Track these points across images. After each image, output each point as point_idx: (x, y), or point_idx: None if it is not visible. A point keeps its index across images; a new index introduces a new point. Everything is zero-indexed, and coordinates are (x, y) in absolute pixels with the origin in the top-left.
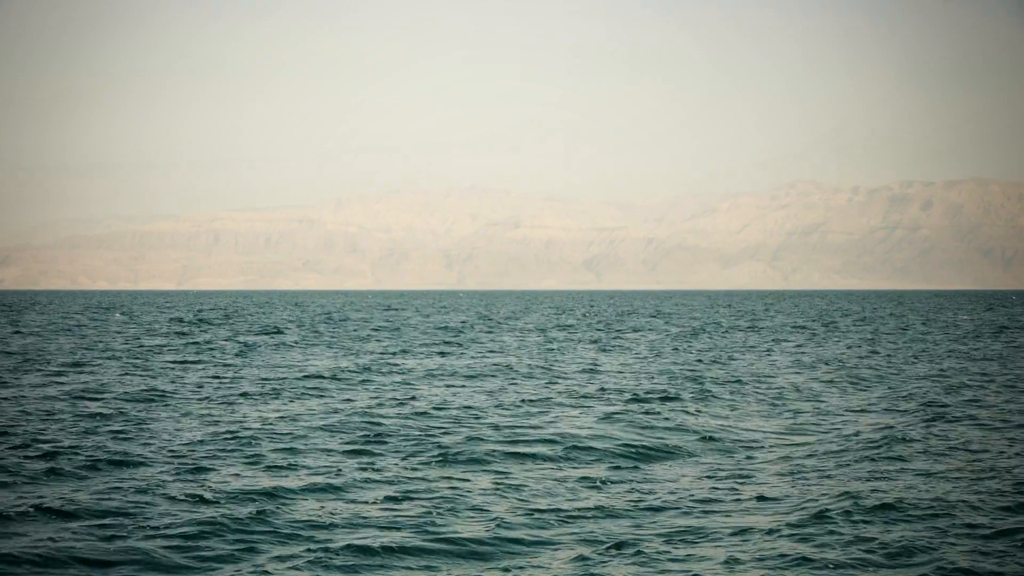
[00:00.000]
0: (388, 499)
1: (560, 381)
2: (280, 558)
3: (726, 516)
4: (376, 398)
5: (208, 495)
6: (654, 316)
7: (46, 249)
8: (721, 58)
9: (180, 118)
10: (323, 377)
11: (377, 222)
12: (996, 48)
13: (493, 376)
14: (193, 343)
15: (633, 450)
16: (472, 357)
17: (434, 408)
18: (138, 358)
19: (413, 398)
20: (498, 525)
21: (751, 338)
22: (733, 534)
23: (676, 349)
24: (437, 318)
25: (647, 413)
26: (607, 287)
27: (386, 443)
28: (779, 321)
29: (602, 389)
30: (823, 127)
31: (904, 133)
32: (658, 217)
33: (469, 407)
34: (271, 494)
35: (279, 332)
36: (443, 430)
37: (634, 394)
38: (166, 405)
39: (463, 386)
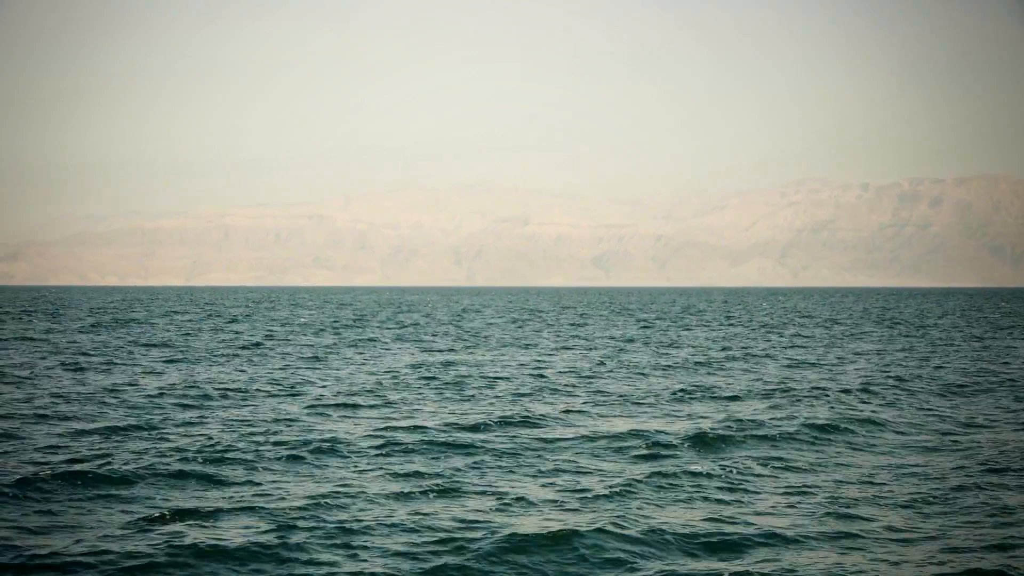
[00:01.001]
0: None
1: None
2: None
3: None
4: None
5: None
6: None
7: (55, 245)
8: (730, 56)
9: (189, 116)
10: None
11: (386, 219)
12: (1005, 46)
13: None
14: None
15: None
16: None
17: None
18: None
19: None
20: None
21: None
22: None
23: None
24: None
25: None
26: (616, 284)
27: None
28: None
29: (817, 388)
30: (832, 124)
31: (913, 130)
32: (667, 214)
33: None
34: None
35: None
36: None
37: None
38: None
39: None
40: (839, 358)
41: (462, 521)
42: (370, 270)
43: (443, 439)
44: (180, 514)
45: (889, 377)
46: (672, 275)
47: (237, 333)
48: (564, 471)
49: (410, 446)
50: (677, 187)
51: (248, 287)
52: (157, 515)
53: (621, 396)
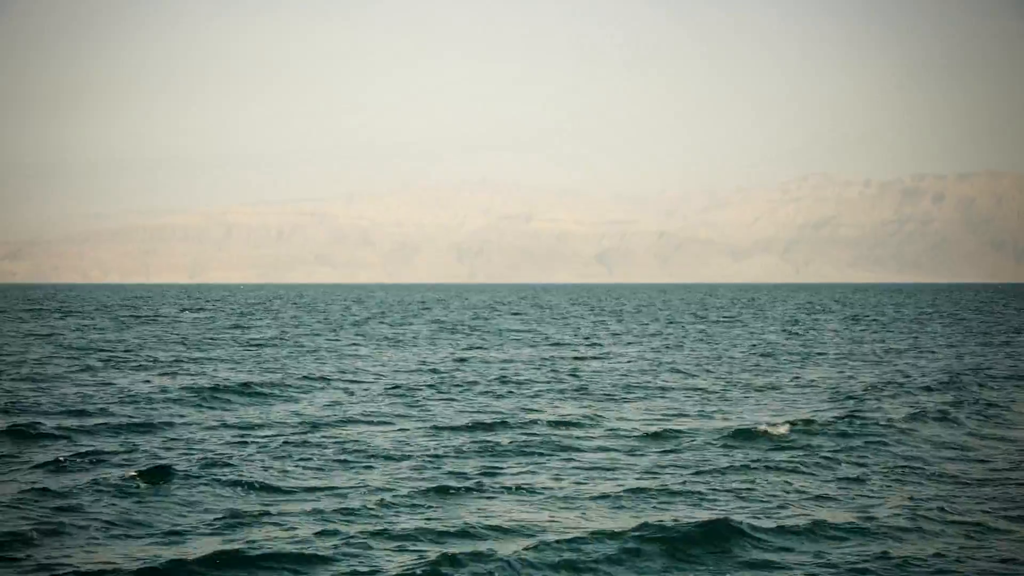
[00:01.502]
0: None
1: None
2: None
3: None
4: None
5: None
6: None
7: (57, 243)
8: (732, 53)
9: (191, 113)
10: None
11: (389, 216)
12: (1009, 42)
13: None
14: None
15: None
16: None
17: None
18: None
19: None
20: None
21: None
22: None
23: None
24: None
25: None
26: (618, 280)
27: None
28: None
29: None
30: (834, 121)
31: (916, 126)
32: (669, 210)
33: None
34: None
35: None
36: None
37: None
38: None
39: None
40: (876, 353)
41: (514, 520)
42: (372, 267)
43: (483, 438)
44: (211, 517)
45: (937, 371)
46: (674, 272)
47: (258, 330)
48: (612, 468)
49: (448, 445)
50: (679, 184)
51: (251, 284)
52: (188, 517)
53: (663, 393)
